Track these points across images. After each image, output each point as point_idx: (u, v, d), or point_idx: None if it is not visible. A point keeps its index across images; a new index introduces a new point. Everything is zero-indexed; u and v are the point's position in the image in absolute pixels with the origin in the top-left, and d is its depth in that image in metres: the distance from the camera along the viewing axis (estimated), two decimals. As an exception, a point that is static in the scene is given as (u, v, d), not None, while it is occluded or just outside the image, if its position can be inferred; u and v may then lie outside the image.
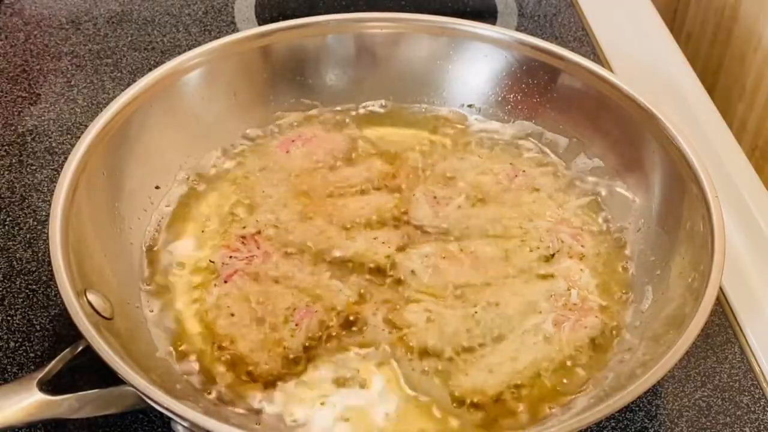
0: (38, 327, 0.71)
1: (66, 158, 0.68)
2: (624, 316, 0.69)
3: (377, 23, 0.84)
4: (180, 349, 0.66)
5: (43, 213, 0.80)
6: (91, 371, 0.58)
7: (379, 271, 0.71)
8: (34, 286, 0.74)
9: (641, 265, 0.72)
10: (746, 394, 0.69)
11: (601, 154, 0.80)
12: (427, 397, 0.64)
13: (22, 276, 0.75)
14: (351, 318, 0.68)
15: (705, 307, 0.61)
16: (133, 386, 0.56)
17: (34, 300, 0.73)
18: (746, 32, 1.09)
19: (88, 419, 0.60)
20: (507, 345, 0.66)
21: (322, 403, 0.63)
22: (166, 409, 0.55)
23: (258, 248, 0.72)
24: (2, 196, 0.82)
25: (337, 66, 0.85)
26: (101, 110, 0.72)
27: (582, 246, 0.73)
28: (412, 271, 0.70)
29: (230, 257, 0.71)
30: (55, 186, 0.66)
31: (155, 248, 0.73)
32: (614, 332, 0.68)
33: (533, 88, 0.83)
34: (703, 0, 1.19)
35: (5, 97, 0.92)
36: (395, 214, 0.75)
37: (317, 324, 0.67)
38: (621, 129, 0.78)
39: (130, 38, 1.01)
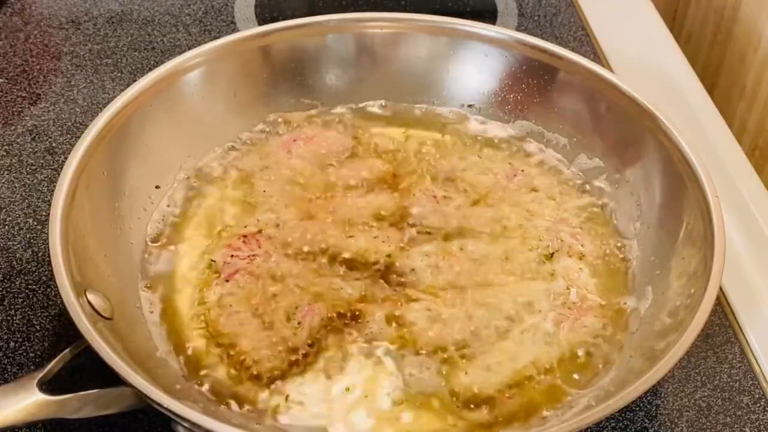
0: (38, 327, 0.71)
1: (66, 158, 0.68)
2: (623, 316, 0.69)
3: (377, 23, 0.84)
4: (181, 348, 0.66)
5: (43, 213, 0.80)
6: (91, 371, 0.58)
7: (379, 270, 0.71)
8: (34, 286, 0.74)
9: (641, 265, 0.72)
10: (746, 394, 0.69)
11: (601, 154, 0.80)
12: (427, 396, 0.64)
13: (22, 276, 0.75)
14: (352, 316, 0.68)
15: (705, 307, 0.61)
16: (133, 386, 0.56)
17: (34, 300, 0.73)
18: (746, 32, 1.08)
19: (88, 419, 0.60)
20: (506, 344, 0.66)
21: (324, 402, 0.63)
22: (166, 409, 0.55)
23: (259, 247, 0.72)
24: (2, 196, 0.82)
25: (337, 66, 0.85)
26: (101, 110, 0.72)
27: (581, 245, 0.73)
28: (413, 270, 0.70)
29: (232, 256, 0.71)
30: (55, 186, 0.66)
31: (156, 248, 0.73)
32: (613, 332, 0.68)
33: (533, 88, 0.83)
34: (703, 0, 1.19)
35: (5, 97, 0.92)
36: (395, 214, 0.75)
37: (319, 322, 0.67)
38: (621, 129, 0.78)
39: (130, 38, 1.01)
